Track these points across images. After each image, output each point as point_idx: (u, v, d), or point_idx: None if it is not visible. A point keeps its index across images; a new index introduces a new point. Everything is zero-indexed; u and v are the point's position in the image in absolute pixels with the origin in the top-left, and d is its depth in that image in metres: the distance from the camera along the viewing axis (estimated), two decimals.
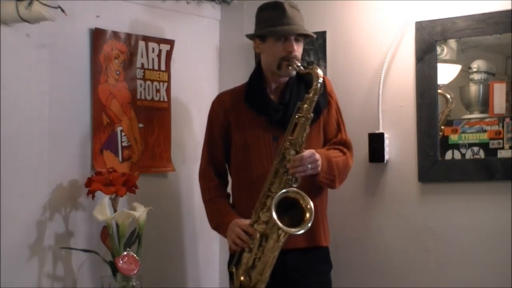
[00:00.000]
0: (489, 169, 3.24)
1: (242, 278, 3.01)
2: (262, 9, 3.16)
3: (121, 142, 3.40)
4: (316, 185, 3.09)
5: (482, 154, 3.32)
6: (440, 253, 3.34)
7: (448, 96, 3.49)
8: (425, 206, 3.39)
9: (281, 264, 3.02)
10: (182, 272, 3.71)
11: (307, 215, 2.91)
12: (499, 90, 3.37)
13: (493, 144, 3.30)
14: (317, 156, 3.01)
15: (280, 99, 3.14)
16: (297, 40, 3.09)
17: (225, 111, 3.21)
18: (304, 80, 3.11)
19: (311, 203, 2.92)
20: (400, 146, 3.43)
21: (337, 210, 3.41)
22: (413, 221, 3.41)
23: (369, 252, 3.48)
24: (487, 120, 3.34)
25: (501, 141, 3.29)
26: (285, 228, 2.90)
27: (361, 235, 3.52)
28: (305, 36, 3.13)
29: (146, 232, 3.23)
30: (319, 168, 3.01)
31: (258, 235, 2.97)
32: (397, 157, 3.44)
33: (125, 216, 3.11)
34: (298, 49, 3.09)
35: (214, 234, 3.85)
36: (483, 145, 3.32)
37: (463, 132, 3.36)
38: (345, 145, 3.19)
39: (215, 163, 3.26)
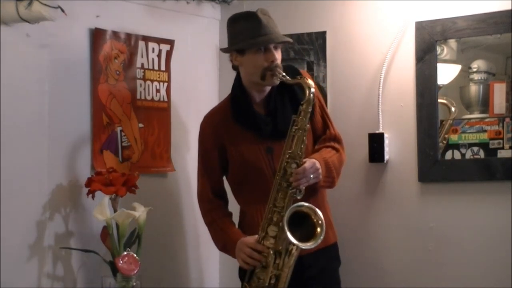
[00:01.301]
0: (489, 169, 3.24)
1: None
2: (234, 21, 3.11)
3: (121, 142, 3.40)
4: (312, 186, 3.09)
5: (482, 154, 3.31)
6: (440, 253, 3.34)
7: (453, 109, 3.46)
8: (425, 206, 3.39)
9: (298, 265, 3.02)
10: (182, 272, 3.71)
11: (318, 229, 2.91)
12: (499, 90, 3.37)
13: (493, 144, 3.30)
14: (318, 164, 3.00)
15: (266, 110, 3.12)
16: (276, 48, 3.05)
17: (216, 132, 3.17)
18: (286, 87, 3.08)
19: (323, 218, 2.91)
20: (400, 146, 3.43)
21: (337, 210, 3.40)
22: (413, 221, 3.41)
23: (369, 252, 3.48)
24: (487, 120, 3.34)
25: (501, 141, 3.29)
26: (300, 244, 2.88)
27: (361, 235, 3.52)
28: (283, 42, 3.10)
29: (146, 232, 3.22)
30: (321, 176, 3.01)
31: (272, 252, 2.95)
32: (397, 157, 3.44)
33: (125, 216, 3.11)
34: (278, 57, 3.05)
35: None
36: (483, 145, 3.32)
37: (463, 132, 3.36)
38: (335, 140, 3.17)
39: (212, 184, 3.21)
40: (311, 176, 2.97)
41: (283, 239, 2.91)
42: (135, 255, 3.07)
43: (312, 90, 2.95)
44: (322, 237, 2.90)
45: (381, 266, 3.46)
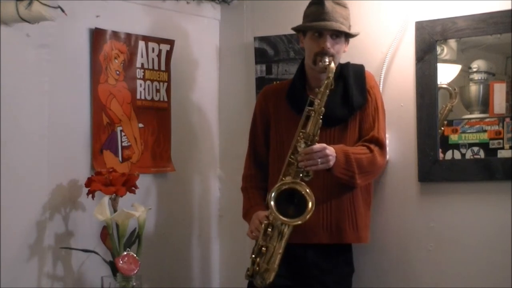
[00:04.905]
0: (489, 169, 3.23)
1: (255, 266, 3.03)
2: (309, 4, 3.15)
3: (121, 142, 3.40)
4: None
5: (482, 154, 3.31)
6: (441, 253, 3.34)
7: (452, 90, 3.44)
8: (425, 206, 3.39)
9: (302, 260, 3.06)
10: (182, 272, 3.71)
11: (309, 205, 2.93)
12: (499, 90, 3.37)
13: (493, 144, 3.30)
14: (329, 151, 2.98)
15: None
16: (335, 37, 3.07)
17: (267, 105, 3.27)
18: (343, 81, 3.11)
19: (313, 196, 2.92)
20: (400, 146, 3.43)
21: None
22: (413, 221, 3.41)
23: (369, 252, 3.48)
24: (487, 120, 3.34)
25: (501, 141, 3.29)
26: (284, 219, 2.92)
27: None
28: (348, 35, 3.11)
29: (146, 232, 3.23)
30: (331, 163, 2.99)
31: (263, 225, 3.00)
32: (397, 157, 3.43)
33: (125, 216, 3.11)
34: (334, 46, 3.06)
35: (214, 234, 3.85)
36: (483, 145, 3.32)
37: (463, 132, 3.36)
38: (375, 143, 3.14)
39: (256, 153, 3.33)
40: (319, 160, 2.96)
41: (273, 214, 2.95)
42: (135, 255, 3.07)
43: (331, 74, 2.96)
44: (308, 215, 2.90)
45: (381, 266, 3.46)
